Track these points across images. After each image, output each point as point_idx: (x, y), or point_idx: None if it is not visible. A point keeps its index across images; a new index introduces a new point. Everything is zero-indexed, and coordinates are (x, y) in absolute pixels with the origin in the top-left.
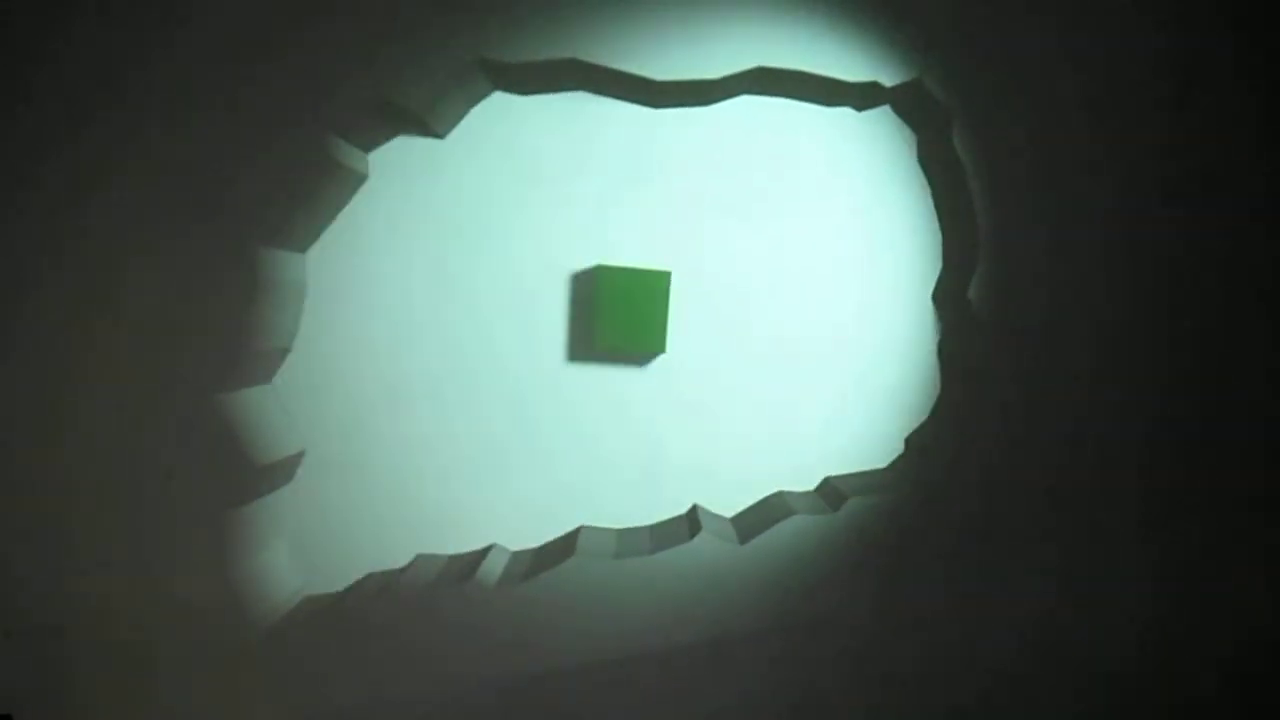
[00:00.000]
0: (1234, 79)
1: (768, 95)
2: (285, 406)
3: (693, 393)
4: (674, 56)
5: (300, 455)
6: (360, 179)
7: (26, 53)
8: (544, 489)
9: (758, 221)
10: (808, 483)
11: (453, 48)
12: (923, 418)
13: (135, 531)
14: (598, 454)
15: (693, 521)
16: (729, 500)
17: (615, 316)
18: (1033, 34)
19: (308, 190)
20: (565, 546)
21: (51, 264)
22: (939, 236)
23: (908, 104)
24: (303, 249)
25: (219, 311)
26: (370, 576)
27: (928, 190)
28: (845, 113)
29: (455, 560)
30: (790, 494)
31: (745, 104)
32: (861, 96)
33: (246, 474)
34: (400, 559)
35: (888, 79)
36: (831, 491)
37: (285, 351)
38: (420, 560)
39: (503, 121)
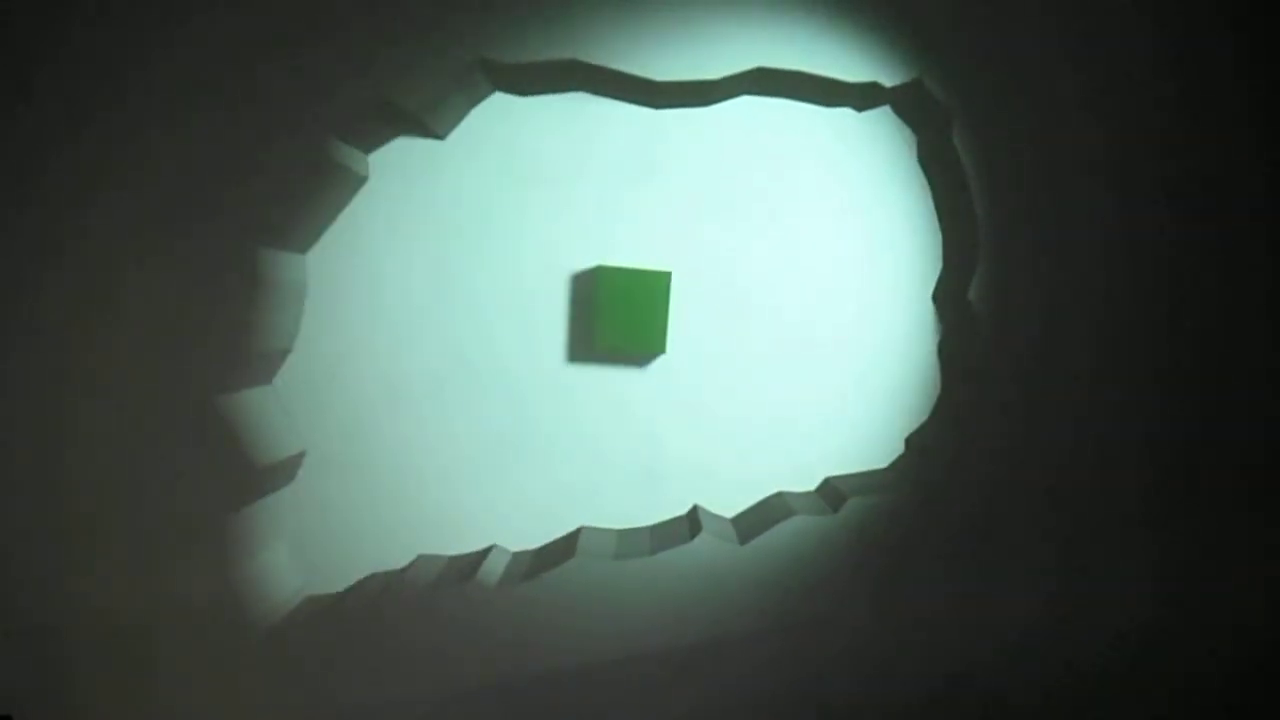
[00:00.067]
0: (1234, 79)
1: (768, 96)
2: (286, 407)
3: (693, 393)
4: (674, 57)
5: (301, 456)
6: (360, 180)
7: (26, 53)
8: (544, 489)
9: (758, 221)
10: (808, 483)
11: (453, 48)
12: (923, 418)
13: (135, 531)
14: (598, 454)
15: (693, 522)
16: (729, 500)
17: (615, 317)
18: (1033, 34)
19: (308, 191)
20: (566, 547)
21: (51, 264)
22: (939, 236)
23: (908, 104)
24: (303, 250)
25: (219, 312)
26: (371, 577)
27: (928, 190)
28: (845, 113)
29: (456, 561)
30: (790, 494)
31: (745, 104)
32: (861, 97)
33: (247, 474)
34: (401, 559)
35: (888, 79)
36: (831, 492)
37: (285, 352)
38: (421, 561)
39: (503, 122)
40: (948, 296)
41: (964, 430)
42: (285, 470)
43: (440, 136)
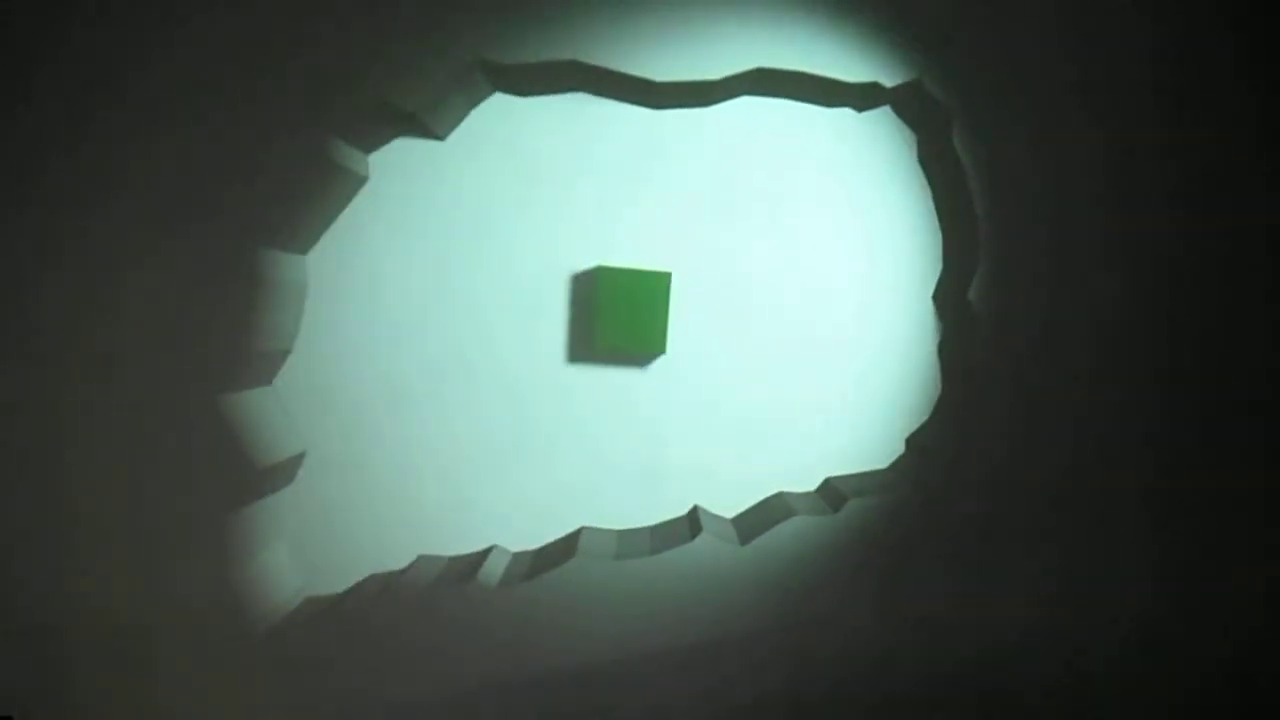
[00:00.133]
0: (1234, 79)
1: (767, 96)
2: (286, 407)
3: (693, 393)
4: (674, 58)
5: (301, 456)
6: (360, 180)
7: (26, 53)
8: (544, 489)
9: (758, 222)
10: (808, 483)
11: (453, 49)
12: (923, 418)
13: (135, 532)
14: (598, 455)
15: (693, 522)
16: (730, 501)
17: (616, 317)
18: (1033, 34)
19: (308, 192)
20: (566, 548)
21: (51, 264)
22: (939, 236)
23: (908, 104)
24: (303, 250)
25: (220, 312)
26: (371, 577)
27: (928, 190)
28: (845, 113)
29: (456, 561)
30: (791, 495)
31: (745, 104)
32: (861, 97)
33: (247, 475)
34: (401, 560)
35: (888, 79)
36: (832, 492)
37: (286, 352)
38: (421, 561)
39: (503, 123)
40: (948, 297)
41: (964, 430)
42: (285, 471)
43: (440, 137)
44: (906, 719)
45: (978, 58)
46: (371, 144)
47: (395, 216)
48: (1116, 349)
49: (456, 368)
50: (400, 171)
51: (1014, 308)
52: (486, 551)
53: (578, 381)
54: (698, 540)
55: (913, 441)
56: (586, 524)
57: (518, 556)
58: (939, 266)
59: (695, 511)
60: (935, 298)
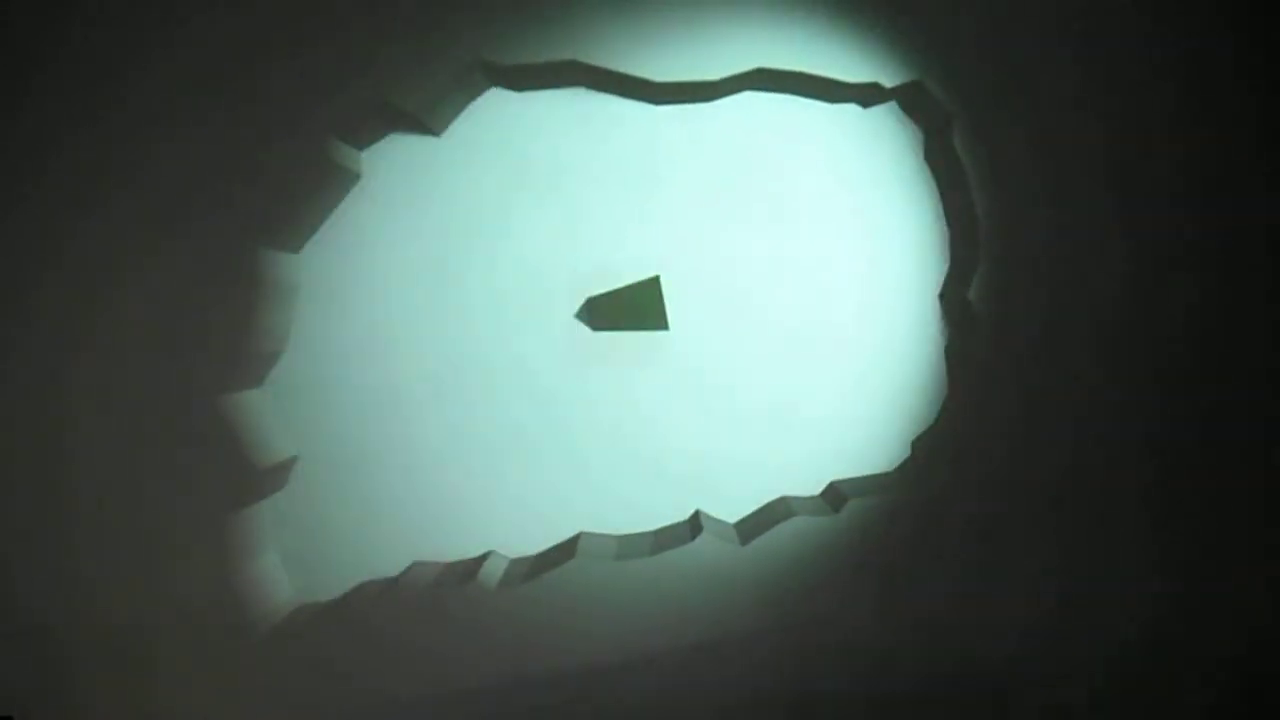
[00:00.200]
0: (1234, 79)
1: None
2: (285, 409)
3: (694, 394)
4: (674, 58)
5: (295, 459)
6: (355, 179)
7: (26, 53)
8: (542, 494)
9: (758, 221)
10: (809, 483)
11: (453, 49)
12: (926, 419)
13: (135, 533)
14: (596, 458)
15: (694, 526)
16: (730, 502)
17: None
18: (1033, 34)
19: (308, 192)
20: (565, 552)
21: (51, 264)
22: (942, 237)
23: (908, 105)
24: (297, 249)
25: (219, 313)
26: (370, 581)
27: (930, 190)
28: (848, 110)
29: (455, 566)
30: (792, 496)
31: (747, 103)
32: (862, 98)
33: (243, 476)
34: (400, 561)
35: (888, 80)
36: (833, 493)
37: (278, 354)
38: (418, 566)
39: (501, 122)
40: (952, 297)
41: (966, 431)
42: (280, 473)
43: (436, 134)
44: (906, 719)
45: (978, 58)
46: (370, 144)
47: (390, 216)
48: (1116, 349)
49: (455, 368)
50: (395, 169)
51: (1014, 308)
52: (484, 558)
53: (577, 383)
54: (698, 541)
55: (915, 443)
56: (585, 528)
57: (516, 562)
58: (943, 267)
59: (696, 516)
60: (940, 299)
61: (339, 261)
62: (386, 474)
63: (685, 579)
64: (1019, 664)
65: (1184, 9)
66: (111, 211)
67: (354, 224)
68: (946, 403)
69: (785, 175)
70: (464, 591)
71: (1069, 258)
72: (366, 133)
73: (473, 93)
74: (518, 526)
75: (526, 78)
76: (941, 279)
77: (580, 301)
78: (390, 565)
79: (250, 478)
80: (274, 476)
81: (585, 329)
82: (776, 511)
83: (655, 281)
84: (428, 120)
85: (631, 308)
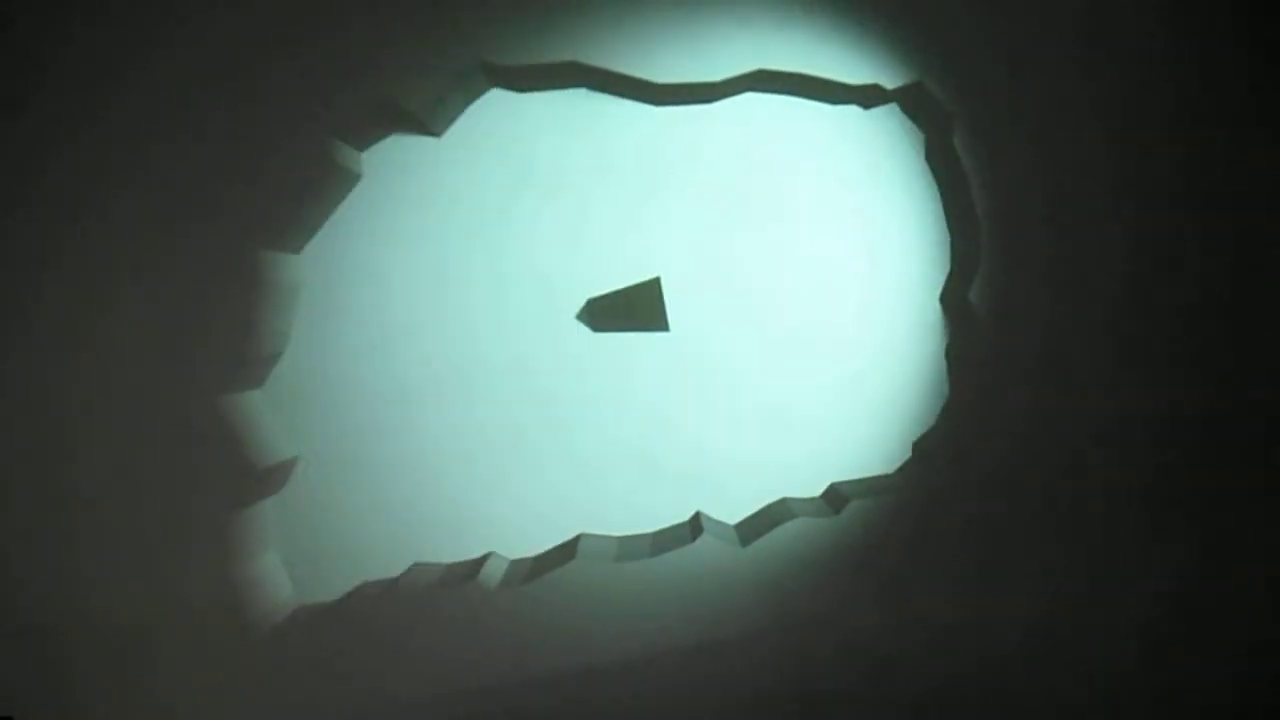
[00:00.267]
0: (1234, 79)
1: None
2: (286, 409)
3: (694, 394)
4: (675, 60)
5: (295, 459)
6: (355, 179)
7: (26, 53)
8: (543, 495)
9: (759, 222)
10: (810, 484)
11: (453, 49)
12: (927, 420)
13: (135, 533)
14: (596, 458)
15: (695, 528)
16: (731, 503)
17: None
18: (1034, 35)
19: (307, 192)
20: (566, 553)
21: (51, 265)
22: (943, 237)
23: (910, 106)
24: (298, 250)
25: (219, 314)
26: (370, 582)
27: (931, 191)
28: (849, 111)
29: (454, 567)
30: (792, 497)
31: (750, 103)
32: (864, 99)
33: (244, 477)
34: (400, 562)
35: (889, 81)
36: (833, 494)
37: (279, 354)
38: (418, 567)
39: (502, 123)
40: (954, 298)
41: (967, 432)
42: (281, 474)
43: (436, 134)
44: (907, 719)
45: (979, 59)
46: (370, 144)
47: (390, 215)
48: (1117, 349)
49: (455, 369)
50: (395, 169)
51: (1015, 308)
52: (483, 559)
53: (578, 384)
54: (698, 542)
55: (917, 444)
56: (586, 529)
57: (516, 564)
58: (945, 268)
59: (697, 517)
60: (942, 300)
61: (340, 262)
62: (387, 474)
63: (686, 580)
64: (1019, 664)
65: (1184, 9)
66: (111, 212)
67: (355, 225)
68: (947, 404)
69: (786, 176)
70: (464, 592)
71: (1070, 258)
72: (367, 133)
73: (473, 93)
74: (518, 527)
75: (527, 78)
76: (943, 280)
77: (581, 302)
78: (391, 566)
79: (251, 478)
80: (274, 477)
81: (586, 330)
82: (777, 513)
83: (656, 282)
84: (429, 121)
85: (632, 308)
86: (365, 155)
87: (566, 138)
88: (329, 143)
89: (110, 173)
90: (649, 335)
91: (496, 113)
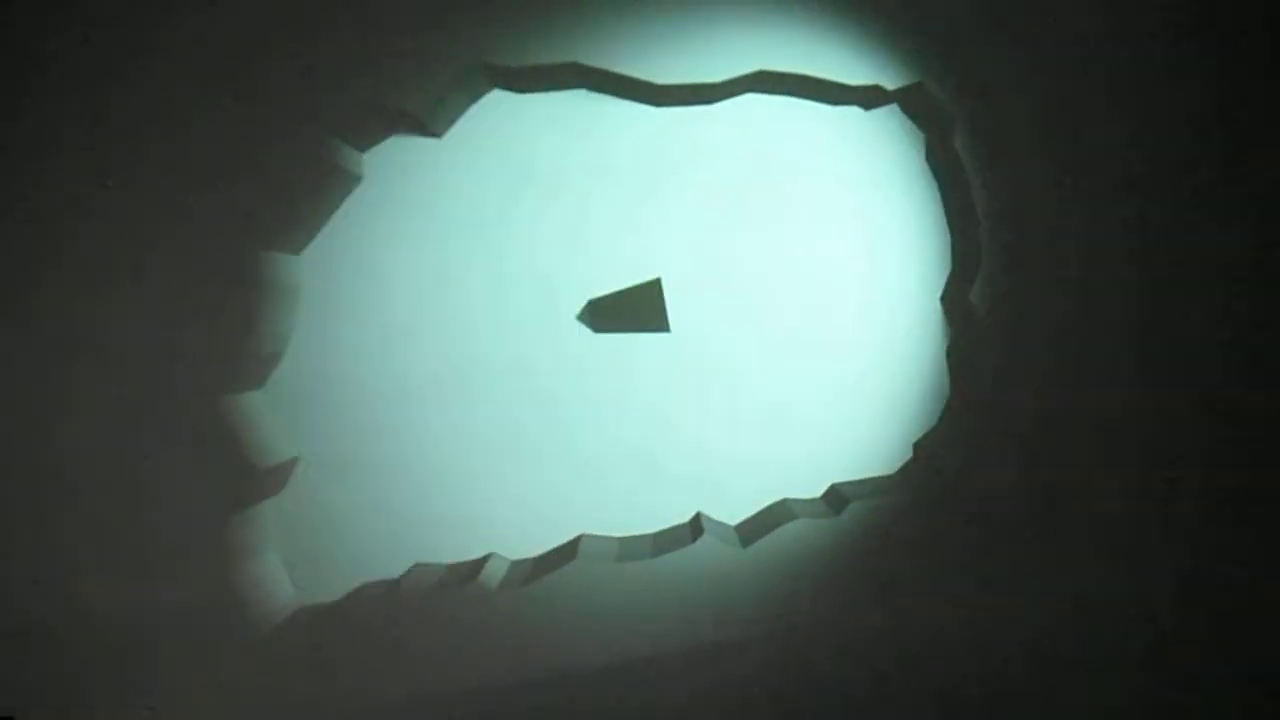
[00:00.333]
0: (1237, 80)
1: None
2: (280, 411)
3: (695, 394)
4: (676, 61)
5: (295, 460)
6: (356, 180)
7: (27, 53)
8: (543, 495)
9: (760, 223)
10: (810, 485)
11: (454, 50)
12: (928, 421)
13: (135, 533)
14: (597, 459)
15: (695, 529)
16: (731, 504)
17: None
18: (1036, 35)
19: (306, 192)
20: (566, 554)
21: (50, 264)
22: (944, 238)
23: (911, 107)
24: (298, 251)
25: (216, 315)
26: (370, 583)
27: (932, 191)
28: (850, 112)
29: (455, 568)
30: (793, 498)
31: (748, 105)
32: (864, 100)
33: (244, 477)
34: (400, 563)
35: (890, 82)
36: (834, 495)
37: (279, 355)
38: (419, 568)
39: (502, 124)
40: (955, 300)
41: (969, 433)
42: (280, 475)
43: (437, 135)
44: None
45: (980, 59)
46: (370, 144)
47: (391, 216)
48: (1118, 350)
49: (456, 370)
50: (396, 170)
51: (1017, 309)
52: (484, 560)
53: (578, 384)
54: (699, 543)
55: (918, 445)
56: (586, 530)
57: (516, 565)
58: (946, 269)
59: (697, 518)
60: (944, 301)
61: (340, 263)
62: (387, 475)
63: (686, 581)
64: (1020, 665)
65: (1187, 9)
66: (111, 212)
67: (355, 226)
68: (948, 404)
69: (787, 177)
70: (465, 593)
71: (1071, 258)
72: (367, 134)
73: (474, 94)
74: (519, 528)
75: (528, 79)
76: (944, 281)
77: (582, 303)
78: (391, 567)
79: (251, 479)
80: (275, 477)
81: (587, 330)
82: (777, 514)
83: (657, 283)
84: (429, 122)
85: (633, 309)
86: (365, 156)
87: (567, 138)
88: (329, 143)
89: (110, 173)
90: (649, 336)
91: (497, 113)
